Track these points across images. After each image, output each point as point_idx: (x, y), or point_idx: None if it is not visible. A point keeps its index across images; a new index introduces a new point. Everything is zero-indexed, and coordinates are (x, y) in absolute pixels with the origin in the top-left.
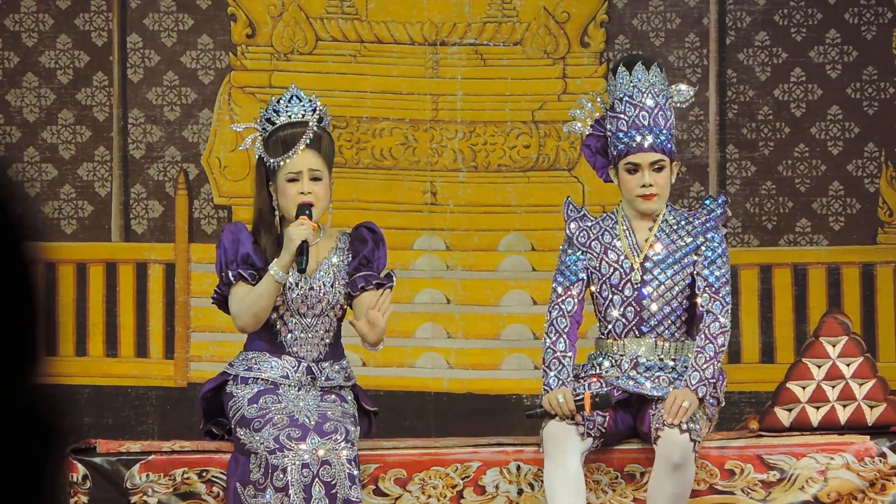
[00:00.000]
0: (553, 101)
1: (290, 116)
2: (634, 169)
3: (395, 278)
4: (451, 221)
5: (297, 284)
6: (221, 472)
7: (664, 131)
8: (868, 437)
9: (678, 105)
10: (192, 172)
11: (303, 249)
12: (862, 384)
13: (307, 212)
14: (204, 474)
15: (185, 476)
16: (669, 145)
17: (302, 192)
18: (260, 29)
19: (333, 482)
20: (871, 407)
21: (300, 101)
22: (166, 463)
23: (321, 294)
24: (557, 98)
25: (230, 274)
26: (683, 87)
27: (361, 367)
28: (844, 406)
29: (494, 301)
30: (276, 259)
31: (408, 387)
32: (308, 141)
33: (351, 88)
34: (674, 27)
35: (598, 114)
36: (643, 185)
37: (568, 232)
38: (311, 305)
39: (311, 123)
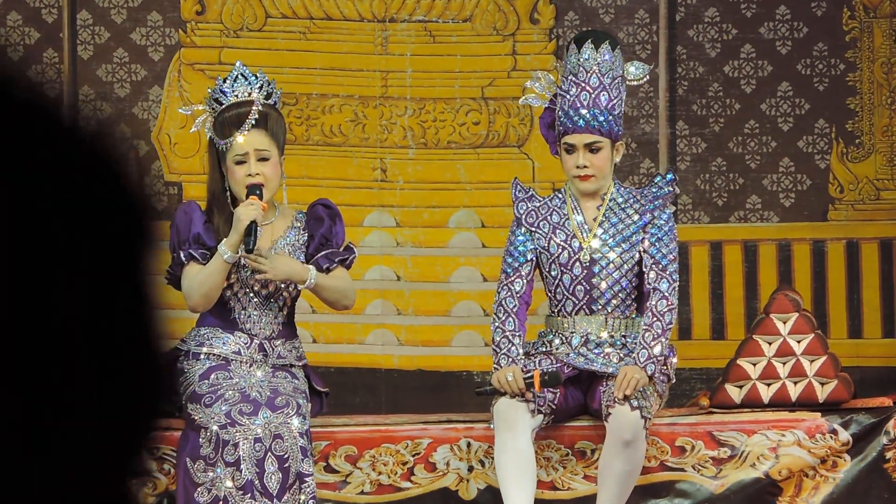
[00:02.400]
0: (503, 78)
1: (236, 96)
2: (571, 149)
3: (355, 251)
4: (400, 198)
5: None
6: (172, 449)
7: (604, 111)
8: (819, 413)
9: (633, 83)
10: (143, 149)
11: (250, 230)
12: (813, 361)
13: (257, 192)
14: (154, 451)
15: None
16: (608, 125)
17: (249, 175)
18: (209, 6)
19: (286, 455)
20: (822, 384)
21: (245, 79)
22: None
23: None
24: (507, 75)
25: (182, 254)
26: (638, 65)
27: (312, 344)
28: (795, 383)
29: (444, 278)
30: (226, 239)
31: (358, 363)
32: (253, 122)
33: (300, 65)
34: (624, 3)
35: (556, 87)
36: (578, 166)
37: (516, 213)
38: (266, 283)
39: (256, 102)
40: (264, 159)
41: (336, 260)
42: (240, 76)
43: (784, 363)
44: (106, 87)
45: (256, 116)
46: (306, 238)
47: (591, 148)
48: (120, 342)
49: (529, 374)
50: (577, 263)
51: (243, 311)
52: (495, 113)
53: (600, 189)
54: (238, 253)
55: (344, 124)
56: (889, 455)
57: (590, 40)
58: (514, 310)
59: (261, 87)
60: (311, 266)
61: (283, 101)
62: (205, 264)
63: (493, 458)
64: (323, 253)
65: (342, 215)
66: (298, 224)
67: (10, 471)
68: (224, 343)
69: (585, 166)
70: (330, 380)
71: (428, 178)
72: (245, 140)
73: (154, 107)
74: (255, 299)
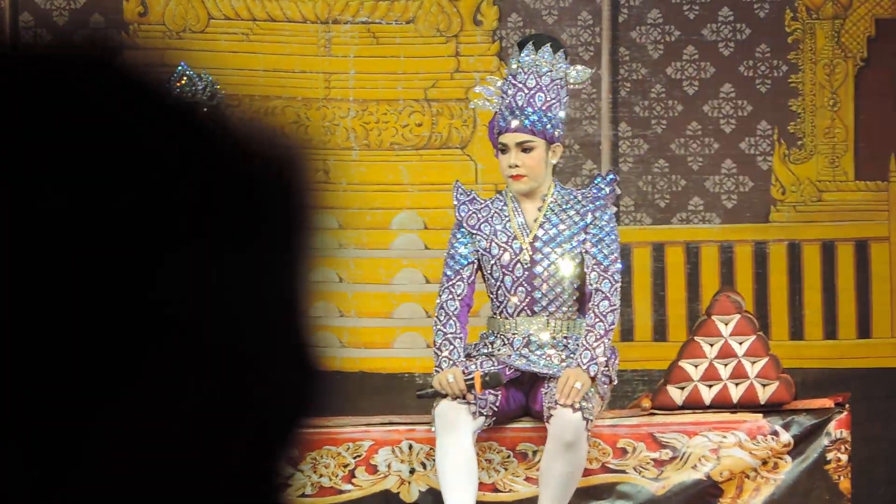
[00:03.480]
0: (446, 80)
1: None
2: (505, 148)
3: None
4: (343, 200)
5: None
6: None
7: (538, 112)
8: (760, 415)
9: (575, 86)
10: None
11: None
12: (754, 362)
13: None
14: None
15: None
16: (541, 126)
17: None
18: (152, 7)
19: None
20: (764, 385)
21: (189, 80)
22: None
23: None
24: (450, 76)
25: None
26: (580, 68)
27: None
28: (737, 384)
29: (387, 279)
30: None
31: None
32: None
33: (243, 67)
34: (567, 5)
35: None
36: (510, 166)
37: (457, 215)
38: None
39: (200, 103)
40: None
41: None
42: (184, 76)
43: (726, 365)
44: None
45: None
46: None
47: (524, 148)
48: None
49: (471, 376)
50: (518, 265)
51: None
52: (438, 114)
53: (539, 190)
54: None
55: (287, 126)
56: (830, 456)
57: (531, 42)
58: (456, 312)
59: (204, 88)
60: None
61: (226, 103)
62: None
63: (434, 461)
64: None
65: None
66: None
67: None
68: None
69: (517, 165)
70: None
71: (371, 180)
72: None
73: None
74: None
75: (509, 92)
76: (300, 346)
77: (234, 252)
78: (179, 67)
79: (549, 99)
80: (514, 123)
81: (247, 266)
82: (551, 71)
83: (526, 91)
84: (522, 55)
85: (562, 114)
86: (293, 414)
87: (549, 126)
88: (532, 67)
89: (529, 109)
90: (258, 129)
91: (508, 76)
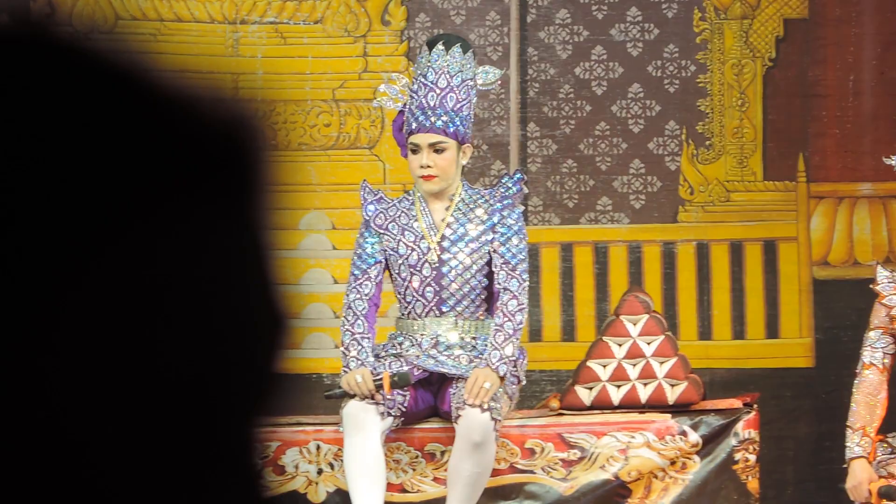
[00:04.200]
0: (354, 80)
1: None
2: (416, 149)
3: None
4: None
5: None
6: None
7: (450, 113)
8: (669, 415)
9: (484, 88)
10: None
11: None
12: (663, 363)
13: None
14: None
15: None
16: (453, 127)
17: None
18: (59, 7)
19: None
20: (672, 385)
21: None
22: None
23: None
24: (358, 76)
25: None
26: (490, 69)
27: None
28: (645, 384)
29: (295, 279)
30: None
31: None
32: None
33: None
34: (475, 5)
35: (409, 89)
36: (421, 166)
37: (365, 215)
38: None
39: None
40: None
41: None
42: None
43: (634, 365)
44: None
45: None
46: None
47: (436, 148)
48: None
49: (379, 377)
50: (426, 265)
51: None
52: (346, 115)
53: (447, 190)
54: None
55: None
56: (738, 456)
57: (441, 42)
58: (364, 312)
59: None
60: None
61: None
62: None
63: (342, 461)
64: None
65: None
66: None
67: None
68: None
69: (429, 166)
70: None
71: (278, 180)
72: None
73: None
74: None
75: (420, 92)
76: (265, 302)
77: (191, 214)
78: None
79: (460, 99)
80: (427, 124)
81: (206, 227)
82: (461, 71)
83: (437, 91)
84: (433, 55)
85: (471, 114)
86: (263, 367)
87: (460, 127)
88: (443, 68)
89: (441, 110)
90: (205, 92)
91: (418, 75)
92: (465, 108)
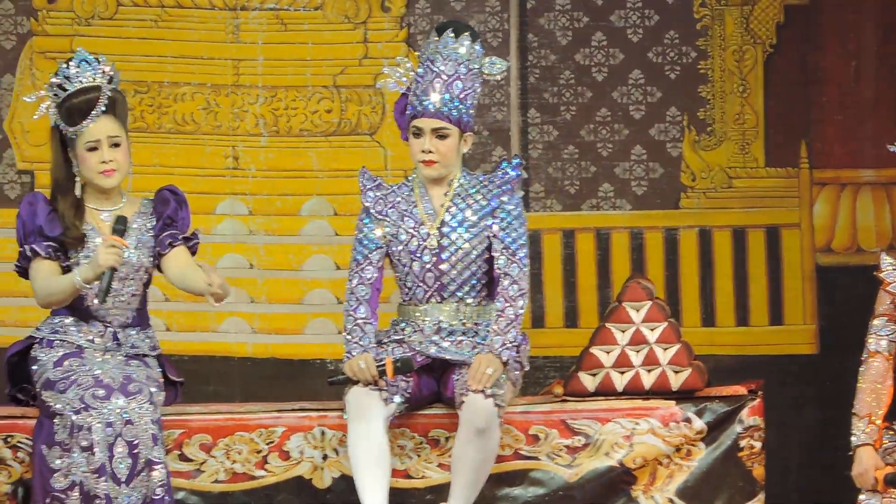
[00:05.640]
0: (354, 66)
1: (81, 82)
2: (419, 133)
3: (199, 236)
4: (253, 186)
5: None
6: (27, 438)
7: (455, 100)
8: (673, 402)
9: (490, 78)
10: None
11: (109, 277)
12: (666, 349)
13: (121, 228)
14: (9, 439)
15: None
16: (458, 114)
17: (103, 161)
18: None
19: (136, 442)
20: (676, 372)
21: (90, 65)
22: None
23: (125, 257)
24: (359, 63)
25: (27, 249)
26: (496, 60)
27: (165, 332)
28: (649, 371)
29: (297, 265)
30: (82, 267)
31: (211, 351)
32: (103, 108)
33: (152, 53)
34: None
35: (413, 73)
36: (423, 151)
37: (365, 202)
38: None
39: (103, 88)
40: (116, 145)
41: (180, 238)
42: (83, 61)
43: (637, 351)
44: None
45: (106, 102)
46: (154, 222)
47: (439, 134)
48: None
49: (382, 362)
50: (426, 251)
51: (96, 299)
52: (347, 101)
53: (446, 176)
54: (91, 286)
55: (196, 112)
56: (743, 443)
57: (451, 29)
58: (366, 297)
59: (104, 72)
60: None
61: (135, 90)
62: (49, 257)
63: (347, 447)
64: (168, 232)
65: (190, 203)
66: (145, 210)
67: None
68: (78, 332)
69: (430, 151)
70: (183, 368)
71: (280, 167)
72: (97, 125)
73: (6, 95)
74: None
75: (426, 76)
76: None
77: None
78: (77, 52)
79: (465, 88)
80: (431, 109)
81: None
82: (469, 60)
83: (444, 78)
84: (442, 42)
85: (475, 104)
86: None
87: (464, 115)
88: (451, 54)
89: (447, 96)
90: None
91: (425, 60)
92: (469, 97)
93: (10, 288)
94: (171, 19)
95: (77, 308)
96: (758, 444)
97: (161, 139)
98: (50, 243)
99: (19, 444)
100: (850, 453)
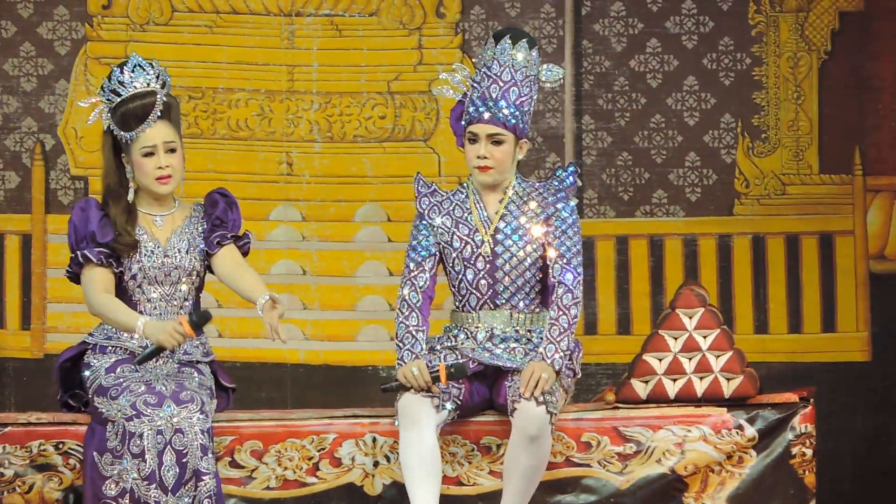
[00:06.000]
0: (409, 72)
1: (135, 87)
2: (474, 138)
3: (251, 237)
4: (307, 192)
5: (152, 252)
6: (78, 444)
7: (511, 106)
8: (725, 409)
9: (547, 85)
10: (49, 143)
11: (156, 353)
12: (719, 356)
13: (200, 322)
14: (60, 446)
15: (42, 448)
16: (514, 121)
17: (159, 167)
18: (116, 0)
19: (185, 451)
20: (728, 379)
21: (144, 70)
22: (22, 435)
23: (176, 261)
24: (413, 69)
25: (79, 255)
26: (553, 67)
27: (218, 339)
28: (701, 378)
29: (350, 272)
30: (151, 323)
31: (264, 358)
32: (158, 113)
33: (207, 59)
34: None
35: (470, 80)
36: (478, 157)
37: (419, 208)
38: (168, 272)
39: (158, 93)
40: (172, 150)
41: (229, 237)
42: (137, 66)
43: (690, 358)
44: (13, 82)
45: (162, 107)
46: (204, 226)
47: (494, 140)
48: None
49: (435, 368)
50: (480, 258)
51: (148, 303)
52: (401, 107)
53: (501, 183)
54: (139, 351)
55: (250, 118)
56: (795, 451)
57: (508, 36)
58: (418, 304)
59: (158, 77)
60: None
61: (189, 95)
62: (101, 264)
63: (398, 454)
64: (217, 232)
65: (243, 209)
66: (197, 214)
67: None
68: (132, 338)
69: (486, 157)
70: (235, 374)
71: (334, 173)
72: (153, 130)
73: (61, 101)
74: (159, 289)
75: (483, 83)
76: None
77: None
78: (130, 56)
79: (522, 94)
80: (487, 115)
81: None
82: (526, 67)
83: (501, 84)
84: (500, 48)
85: (531, 111)
86: None
87: (520, 122)
88: (508, 61)
89: (503, 103)
90: None
91: (482, 66)
92: (526, 104)
93: (63, 293)
94: (225, 25)
95: None
96: (809, 452)
97: (215, 145)
98: (102, 249)
99: (70, 451)
100: None
